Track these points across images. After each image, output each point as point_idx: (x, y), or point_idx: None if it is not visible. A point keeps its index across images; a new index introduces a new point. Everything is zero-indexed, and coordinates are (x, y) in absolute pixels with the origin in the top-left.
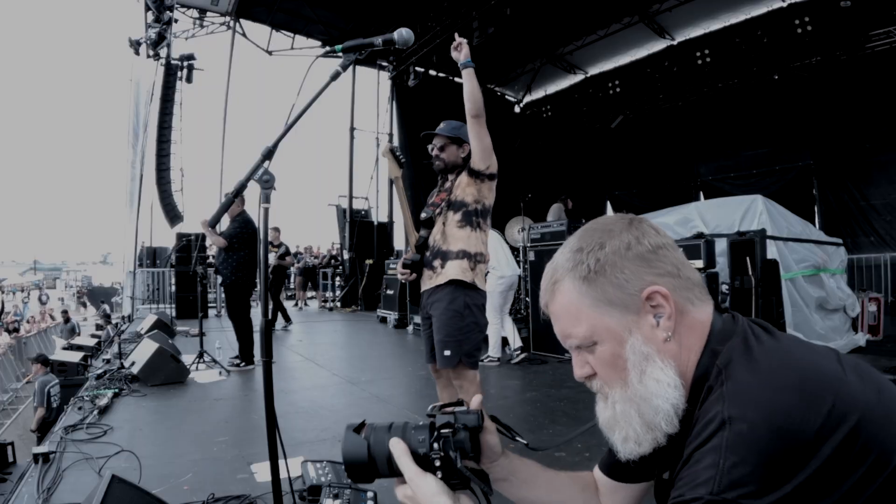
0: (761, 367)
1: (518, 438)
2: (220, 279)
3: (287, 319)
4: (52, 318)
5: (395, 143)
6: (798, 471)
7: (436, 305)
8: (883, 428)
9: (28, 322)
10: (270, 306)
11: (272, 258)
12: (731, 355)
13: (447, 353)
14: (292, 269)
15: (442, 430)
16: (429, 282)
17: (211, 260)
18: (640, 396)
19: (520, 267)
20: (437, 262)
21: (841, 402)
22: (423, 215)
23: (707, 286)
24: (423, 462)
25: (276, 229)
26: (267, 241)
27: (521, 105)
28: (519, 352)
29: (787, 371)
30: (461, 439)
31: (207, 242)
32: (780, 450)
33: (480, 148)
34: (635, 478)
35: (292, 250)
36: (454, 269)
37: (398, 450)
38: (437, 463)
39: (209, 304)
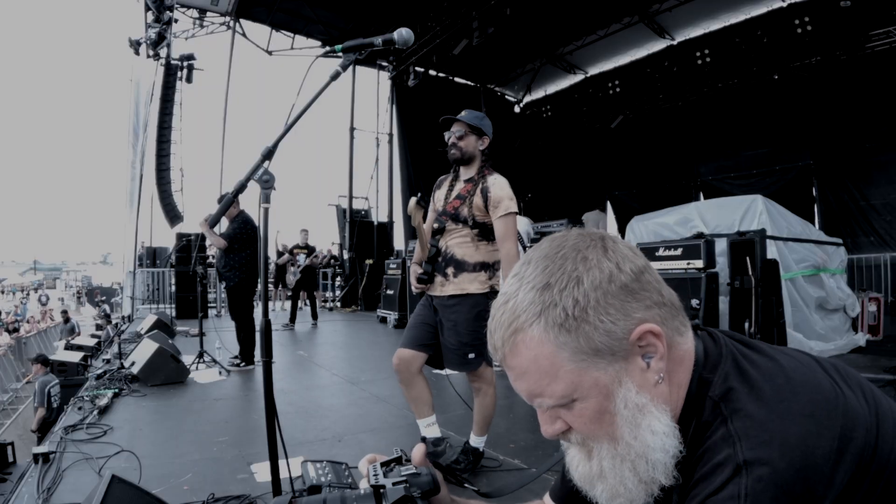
0: (766, 395)
1: (467, 486)
2: (224, 283)
3: (293, 320)
4: (52, 318)
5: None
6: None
7: (454, 311)
8: (879, 436)
9: (27, 322)
10: (293, 305)
11: (301, 259)
12: (728, 384)
13: (472, 356)
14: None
15: None
16: (440, 288)
17: (211, 260)
18: (635, 453)
19: None
20: (449, 270)
21: (848, 422)
22: (434, 225)
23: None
24: None
25: (305, 231)
26: (267, 241)
27: (521, 105)
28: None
29: (796, 396)
30: None
31: (207, 242)
32: (804, 489)
33: (505, 234)
34: None
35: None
36: (473, 284)
37: None
38: None
39: (209, 304)
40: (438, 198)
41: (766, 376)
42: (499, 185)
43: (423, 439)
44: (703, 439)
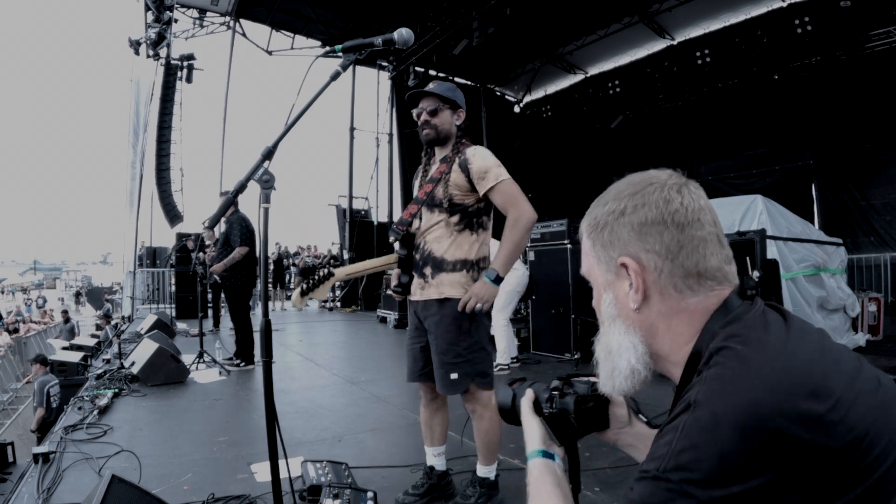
0: (753, 360)
1: (640, 416)
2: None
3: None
4: (52, 318)
5: (395, 143)
6: (754, 476)
7: (433, 322)
8: (847, 463)
9: (24, 322)
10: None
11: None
12: (728, 341)
13: (454, 376)
14: (292, 269)
15: (553, 391)
16: (419, 292)
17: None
18: (605, 346)
19: None
20: (427, 270)
21: (838, 422)
22: (391, 238)
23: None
24: (541, 411)
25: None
26: (267, 241)
27: (521, 105)
28: (506, 366)
29: (780, 373)
30: (566, 402)
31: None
32: (739, 449)
33: (511, 201)
34: None
35: (292, 250)
36: (453, 286)
37: (525, 397)
38: (546, 413)
39: (209, 304)
40: (416, 188)
41: (767, 346)
42: (480, 155)
43: (431, 469)
44: (691, 382)
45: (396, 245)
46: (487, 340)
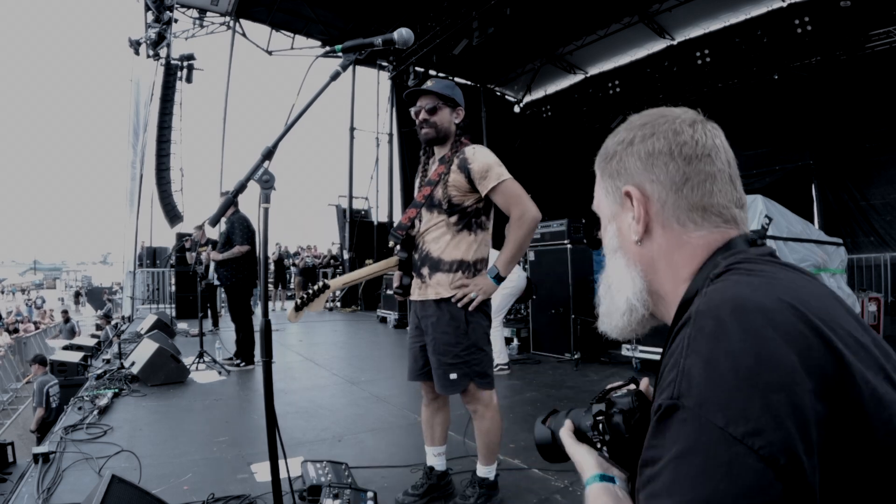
0: (760, 285)
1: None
2: (219, 283)
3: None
4: (52, 318)
5: (395, 143)
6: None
7: (431, 323)
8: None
9: (22, 322)
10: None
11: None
12: (732, 266)
13: (453, 376)
14: (293, 269)
15: (597, 417)
16: (418, 292)
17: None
18: (605, 280)
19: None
20: (424, 270)
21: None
22: (390, 242)
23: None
24: (586, 439)
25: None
26: (267, 241)
27: (521, 105)
28: (505, 366)
29: (793, 293)
30: (616, 423)
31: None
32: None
33: (513, 203)
34: None
35: (292, 250)
36: (447, 288)
37: (564, 429)
38: (598, 445)
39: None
40: (416, 189)
41: (773, 281)
42: (480, 154)
43: (431, 469)
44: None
45: (397, 248)
46: (486, 341)
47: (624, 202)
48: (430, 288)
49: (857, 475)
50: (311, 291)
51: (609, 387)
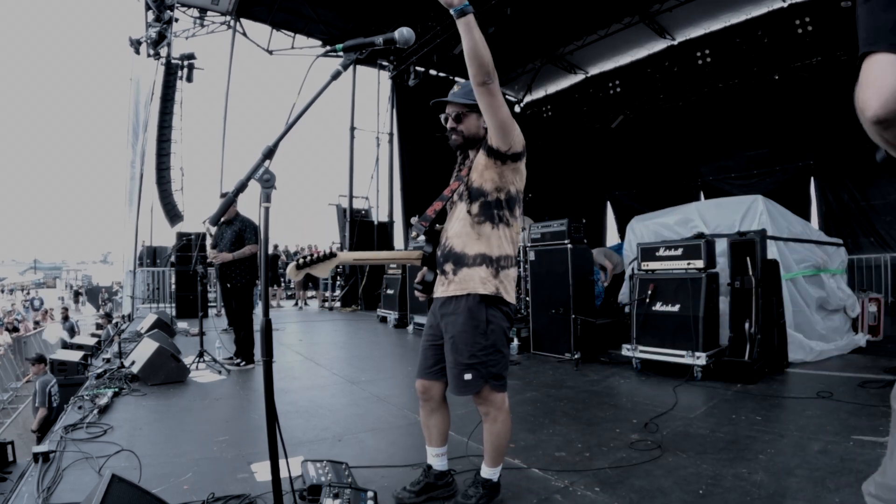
0: None
1: None
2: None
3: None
4: (52, 318)
5: (395, 143)
6: None
7: (451, 321)
8: None
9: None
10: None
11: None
12: None
13: (468, 376)
14: None
15: None
16: (441, 289)
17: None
18: None
19: (520, 267)
20: (448, 266)
21: None
22: (413, 233)
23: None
24: None
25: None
26: (267, 240)
27: (522, 105)
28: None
29: None
30: None
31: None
32: None
33: (496, 123)
34: None
35: (292, 250)
36: (472, 282)
37: None
38: None
39: (209, 304)
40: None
41: None
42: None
43: (429, 467)
44: None
45: (421, 240)
46: (504, 342)
47: None
48: (455, 284)
49: None
50: (318, 255)
51: None
